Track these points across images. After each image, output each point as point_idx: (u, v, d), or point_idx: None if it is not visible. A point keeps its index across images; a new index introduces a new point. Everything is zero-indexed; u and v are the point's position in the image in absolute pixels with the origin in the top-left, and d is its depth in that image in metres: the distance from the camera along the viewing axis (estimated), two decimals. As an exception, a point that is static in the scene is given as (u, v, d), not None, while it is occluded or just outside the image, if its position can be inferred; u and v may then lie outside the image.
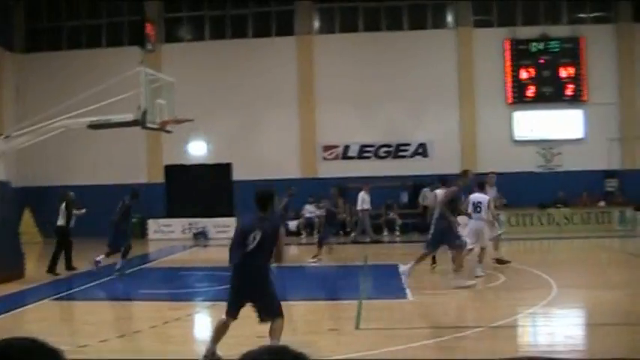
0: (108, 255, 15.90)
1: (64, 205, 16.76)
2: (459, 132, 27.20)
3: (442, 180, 15.67)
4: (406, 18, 27.99)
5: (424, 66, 27.24)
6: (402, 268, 13.26)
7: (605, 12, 27.75)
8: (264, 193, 7.60)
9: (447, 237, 12.78)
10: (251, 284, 7.35)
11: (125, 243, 15.86)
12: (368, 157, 27.37)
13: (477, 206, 14.42)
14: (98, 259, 15.89)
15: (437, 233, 12.95)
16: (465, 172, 13.97)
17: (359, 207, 23.91)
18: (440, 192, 14.74)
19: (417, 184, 25.89)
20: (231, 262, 7.38)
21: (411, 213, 26.05)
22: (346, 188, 23.33)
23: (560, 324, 9.95)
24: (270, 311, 7.29)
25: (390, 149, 27.33)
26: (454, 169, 26.33)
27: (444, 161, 26.34)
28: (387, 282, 13.94)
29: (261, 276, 7.37)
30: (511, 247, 19.24)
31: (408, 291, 12.27)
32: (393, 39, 27.61)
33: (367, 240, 23.67)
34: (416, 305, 11.46)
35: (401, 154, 27.28)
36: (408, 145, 27.26)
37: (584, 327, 9.99)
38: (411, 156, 27.24)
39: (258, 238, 7.25)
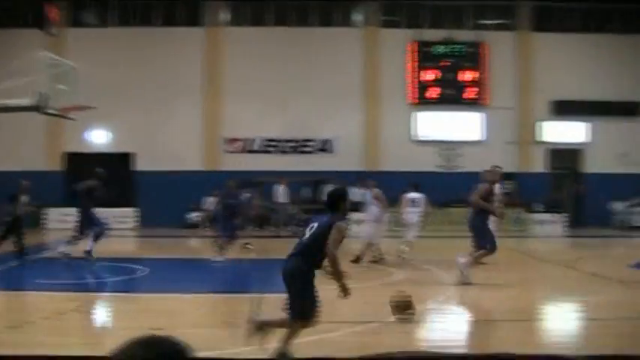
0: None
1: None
2: (363, 130, 28.33)
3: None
4: (315, 15, 28.74)
5: (331, 63, 28.17)
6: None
7: (506, 19, 29.26)
8: (335, 193, 7.60)
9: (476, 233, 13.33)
10: None
11: (93, 228, 16.10)
12: (272, 152, 27.93)
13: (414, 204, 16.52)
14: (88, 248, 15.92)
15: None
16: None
17: (280, 200, 24.93)
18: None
19: (320, 179, 26.54)
20: None
21: (314, 208, 26.52)
22: (258, 182, 23.88)
23: (452, 320, 10.58)
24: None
25: (295, 144, 27.98)
26: (357, 166, 27.50)
27: (347, 158, 27.42)
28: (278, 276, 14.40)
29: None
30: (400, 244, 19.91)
31: None
32: (302, 35, 28.52)
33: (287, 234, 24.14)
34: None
35: (305, 149, 28.05)
36: (312, 140, 28.07)
37: (475, 323, 10.50)
38: (315, 152, 27.94)
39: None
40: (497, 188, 14.49)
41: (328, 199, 7.50)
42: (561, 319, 10.97)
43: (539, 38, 29.29)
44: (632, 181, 27.90)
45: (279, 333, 7.43)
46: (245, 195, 19.91)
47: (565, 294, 12.83)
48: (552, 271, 16.53)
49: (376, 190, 16.89)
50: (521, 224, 27.01)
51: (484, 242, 13.10)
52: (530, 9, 29.51)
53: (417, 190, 17.25)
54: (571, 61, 29.22)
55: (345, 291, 7.32)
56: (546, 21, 29.67)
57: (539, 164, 29.26)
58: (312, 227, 7.27)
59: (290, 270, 7.28)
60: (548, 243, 24.83)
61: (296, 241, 7.47)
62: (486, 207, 13.17)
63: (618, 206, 28.36)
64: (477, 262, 13.38)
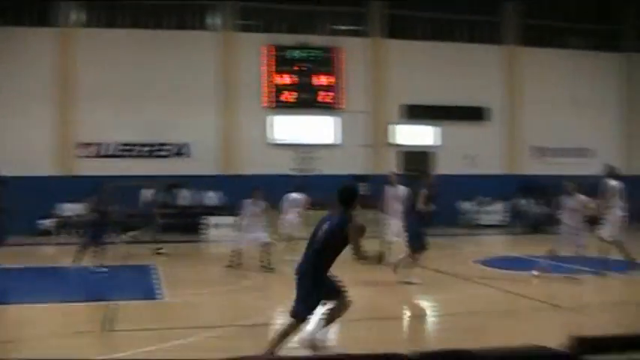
0: None
1: None
2: (219, 133, 28.90)
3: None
4: (171, 17, 28.95)
5: (187, 66, 28.63)
6: None
7: (360, 26, 30.36)
8: (347, 189, 7.87)
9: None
10: None
11: None
12: (127, 156, 27.97)
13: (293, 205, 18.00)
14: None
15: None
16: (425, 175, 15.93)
17: (148, 205, 25.15)
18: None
19: (175, 184, 26.75)
20: None
21: (169, 213, 26.70)
22: (123, 187, 23.78)
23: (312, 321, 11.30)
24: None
25: (150, 148, 28.12)
26: (213, 170, 27.90)
27: (203, 162, 27.98)
28: (143, 282, 14.67)
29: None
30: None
31: (163, 291, 13.19)
32: (157, 38, 28.83)
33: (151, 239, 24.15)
34: (171, 305, 12.09)
35: (161, 153, 28.21)
36: (168, 144, 28.25)
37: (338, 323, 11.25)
38: (171, 156, 28.15)
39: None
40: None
41: (340, 195, 7.75)
42: (412, 317, 11.72)
43: (392, 44, 30.78)
44: (478, 181, 29.62)
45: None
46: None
47: (414, 292, 13.71)
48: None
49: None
50: (376, 225, 28.07)
51: (413, 242, 14.59)
52: (383, 16, 30.86)
53: (299, 191, 18.76)
54: (421, 67, 30.85)
55: (380, 259, 8.29)
56: (398, 28, 31.21)
57: (391, 166, 30.49)
58: (324, 227, 7.64)
59: (304, 271, 7.67)
60: (399, 242, 25.85)
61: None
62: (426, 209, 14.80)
63: (466, 206, 30.04)
64: (409, 261, 14.64)
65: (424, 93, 30.68)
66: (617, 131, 33.71)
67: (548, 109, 32.00)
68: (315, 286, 7.66)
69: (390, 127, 30.71)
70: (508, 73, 32.20)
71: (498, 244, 25.21)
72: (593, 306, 11.57)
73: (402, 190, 17.15)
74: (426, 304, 12.81)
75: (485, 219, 30.03)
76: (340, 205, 7.72)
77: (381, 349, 8.33)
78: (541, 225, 28.49)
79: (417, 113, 30.75)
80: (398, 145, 30.78)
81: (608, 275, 14.50)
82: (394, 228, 17.03)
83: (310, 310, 7.71)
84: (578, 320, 9.34)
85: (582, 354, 2.69)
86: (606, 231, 15.40)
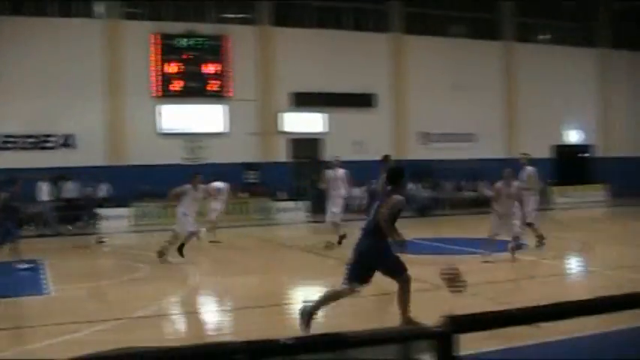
0: None
1: None
2: (106, 124, 28.68)
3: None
4: (55, 5, 28.56)
5: (72, 56, 28.35)
6: None
7: (248, 14, 30.58)
8: (395, 170, 9.26)
9: None
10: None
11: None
12: (11, 148, 27.41)
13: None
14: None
15: None
16: (386, 157, 16.55)
17: (43, 198, 25.06)
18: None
19: (62, 176, 26.41)
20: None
21: (58, 206, 26.28)
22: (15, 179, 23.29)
23: (202, 310, 11.56)
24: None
25: (35, 140, 27.64)
26: (101, 161, 27.75)
27: (90, 153, 27.81)
28: (28, 278, 14.33)
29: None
30: (152, 238, 20.42)
31: (50, 286, 12.99)
32: (40, 26, 28.18)
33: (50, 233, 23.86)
34: (58, 300, 11.88)
35: (46, 145, 27.72)
36: (53, 136, 27.76)
37: (223, 312, 11.19)
38: (57, 147, 27.73)
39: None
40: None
41: (389, 174, 9.11)
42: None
43: (279, 33, 31.22)
44: (367, 167, 30.40)
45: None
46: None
47: (309, 278, 14.16)
48: (297, 257, 17.93)
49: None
50: (267, 212, 28.61)
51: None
52: (271, 4, 31.24)
53: (219, 179, 20.34)
54: (309, 55, 31.46)
55: (402, 243, 8.65)
56: (286, 16, 31.63)
57: (281, 154, 31.08)
58: (375, 206, 8.81)
59: (365, 249, 8.66)
60: (292, 229, 26.48)
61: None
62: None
63: (355, 191, 30.74)
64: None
65: (312, 81, 31.30)
66: (498, 116, 35.30)
67: (432, 95, 33.21)
68: (385, 253, 8.74)
69: (279, 115, 31.17)
70: (394, 60, 33.18)
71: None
72: (478, 285, 12.24)
73: (341, 173, 18.56)
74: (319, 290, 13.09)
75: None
76: (389, 183, 8.97)
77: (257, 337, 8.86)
78: (428, 209, 29.68)
79: (306, 101, 31.32)
80: (287, 133, 31.30)
81: (493, 255, 15.28)
82: (334, 208, 18.20)
83: (403, 266, 8.73)
84: (461, 300, 9.92)
85: (455, 332, 2.79)
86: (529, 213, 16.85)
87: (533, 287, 12.68)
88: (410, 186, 31.21)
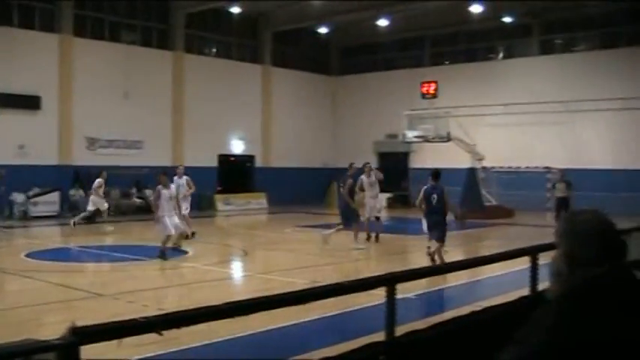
0: None
1: None
2: None
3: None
4: None
5: None
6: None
7: None
8: (437, 171, 16.10)
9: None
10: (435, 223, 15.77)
11: None
12: None
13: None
14: None
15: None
16: (350, 166, 21.11)
17: None
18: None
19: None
20: (424, 211, 15.95)
21: None
22: None
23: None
24: (439, 236, 15.76)
25: None
26: None
27: None
28: None
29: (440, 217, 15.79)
30: None
31: None
32: None
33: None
34: None
35: None
36: None
37: None
38: None
39: (436, 197, 15.49)
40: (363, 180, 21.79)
41: (434, 174, 15.90)
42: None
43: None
44: (31, 172, 30.03)
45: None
46: None
47: None
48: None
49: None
50: None
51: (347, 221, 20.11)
52: None
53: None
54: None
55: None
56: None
57: None
58: (435, 194, 15.49)
59: (436, 221, 15.62)
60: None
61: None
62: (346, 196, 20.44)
63: (19, 197, 30.11)
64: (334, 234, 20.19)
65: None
66: (167, 124, 36.64)
67: (101, 100, 33.44)
68: (443, 222, 15.77)
69: None
70: (62, 62, 32.70)
71: (51, 236, 25.60)
72: (136, 293, 13.26)
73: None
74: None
75: (38, 210, 30.23)
76: (434, 179, 15.80)
77: None
78: (94, 215, 30.05)
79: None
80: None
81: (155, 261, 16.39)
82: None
83: (445, 234, 15.80)
84: (117, 307, 10.78)
85: (82, 343, 2.97)
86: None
87: (189, 292, 14.11)
88: (75, 192, 31.32)
